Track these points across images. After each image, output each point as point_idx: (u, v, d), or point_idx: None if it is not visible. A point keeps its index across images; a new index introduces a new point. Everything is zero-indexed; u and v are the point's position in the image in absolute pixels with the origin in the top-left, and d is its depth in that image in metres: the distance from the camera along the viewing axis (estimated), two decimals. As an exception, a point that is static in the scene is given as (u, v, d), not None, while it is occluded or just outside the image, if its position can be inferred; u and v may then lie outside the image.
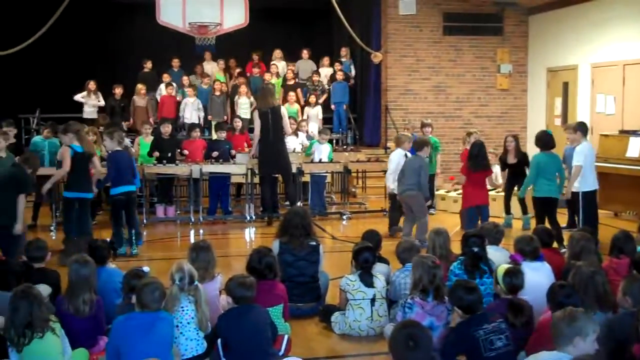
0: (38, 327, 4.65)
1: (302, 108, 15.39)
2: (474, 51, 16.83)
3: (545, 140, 9.85)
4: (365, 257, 6.36)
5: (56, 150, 10.74)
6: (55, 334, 4.73)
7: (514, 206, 11.38)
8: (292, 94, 15.09)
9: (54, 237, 10.61)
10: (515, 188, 11.11)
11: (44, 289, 5.52)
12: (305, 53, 16.64)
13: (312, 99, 15.31)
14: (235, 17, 13.68)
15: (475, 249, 6.25)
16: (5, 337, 4.75)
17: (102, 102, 14.81)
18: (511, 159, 11.33)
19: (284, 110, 12.07)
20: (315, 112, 15.27)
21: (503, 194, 11.63)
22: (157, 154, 11.98)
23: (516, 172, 11.15)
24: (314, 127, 14.51)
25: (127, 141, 10.74)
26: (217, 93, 15.32)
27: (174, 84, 15.36)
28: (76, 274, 5.34)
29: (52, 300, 5.59)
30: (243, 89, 15.25)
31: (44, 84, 16.77)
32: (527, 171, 10.32)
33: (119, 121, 12.60)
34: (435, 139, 12.71)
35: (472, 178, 10.49)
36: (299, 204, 11.35)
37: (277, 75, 16.09)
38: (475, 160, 10.35)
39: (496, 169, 11.55)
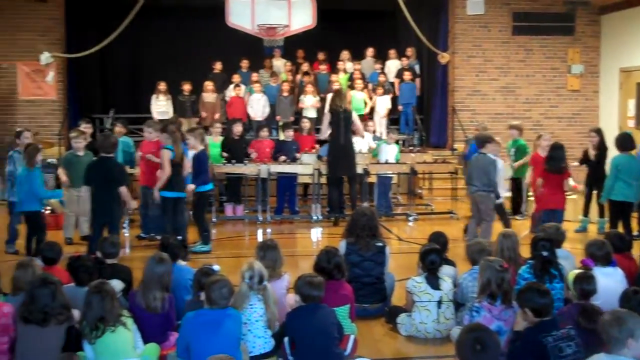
0: (110, 321, 4.78)
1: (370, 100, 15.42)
2: (544, 51, 16.51)
3: (624, 142, 9.59)
4: (431, 259, 6.32)
5: (128, 150, 11.10)
6: (127, 329, 4.85)
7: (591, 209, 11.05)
8: (358, 82, 15.12)
9: (126, 234, 10.92)
10: (596, 192, 10.73)
11: (117, 284, 5.67)
12: (370, 52, 16.62)
13: (380, 90, 15.32)
14: (303, 18, 13.78)
15: (545, 253, 6.10)
16: (80, 330, 4.86)
17: (170, 107, 15.03)
18: (591, 154, 11.00)
19: (355, 115, 12.13)
20: (383, 103, 15.31)
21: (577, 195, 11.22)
22: (225, 154, 12.20)
23: (597, 174, 10.79)
24: (381, 121, 14.73)
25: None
26: (285, 94, 15.38)
27: (242, 85, 15.48)
28: (150, 271, 5.43)
29: (125, 296, 5.72)
30: (309, 88, 15.36)
31: (117, 84, 17.24)
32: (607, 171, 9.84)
33: (174, 119, 12.51)
34: (523, 141, 12.35)
35: (548, 180, 10.06)
36: (365, 204, 11.18)
37: (345, 71, 16.09)
38: (553, 162, 9.93)
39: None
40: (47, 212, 10.37)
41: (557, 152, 9.92)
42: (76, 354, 4.21)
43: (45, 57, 14.41)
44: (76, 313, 5.06)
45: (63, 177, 9.71)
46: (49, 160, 12.17)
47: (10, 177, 9.60)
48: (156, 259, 5.46)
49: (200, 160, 9.69)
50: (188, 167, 9.54)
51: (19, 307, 4.89)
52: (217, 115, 14.99)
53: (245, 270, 5.29)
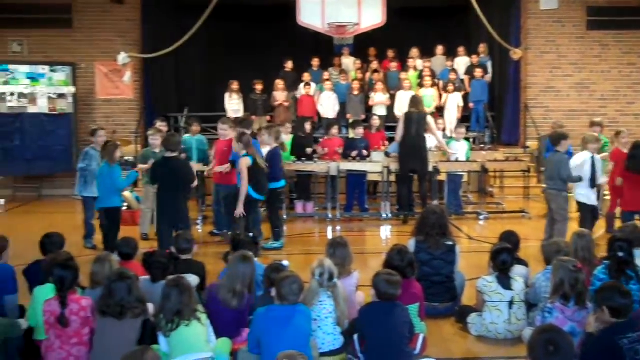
0: (186, 315, 4.85)
1: (439, 98, 15.43)
2: (620, 46, 16.09)
3: None
4: (503, 258, 6.20)
5: (202, 147, 11.40)
6: (201, 323, 4.92)
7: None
8: (428, 79, 15.04)
9: (200, 230, 11.10)
10: None
11: (193, 280, 5.70)
12: (440, 49, 16.47)
13: (450, 87, 15.21)
14: (373, 16, 13.74)
15: (621, 254, 5.90)
16: (155, 324, 4.97)
17: (242, 105, 15.20)
18: None
19: (430, 118, 12.12)
20: (454, 101, 15.22)
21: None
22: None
23: None
24: (451, 116, 14.72)
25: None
26: (355, 92, 15.36)
27: (313, 84, 15.52)
28: (234, 269, 5.51)
29: (198, 291, 5.78)
30: (379, 85, 15.33)
31: (191, 83, 17.52)
32: None
33: (246, 117, 12.50)
34: (606, 138, 11.59)
35: (628, 180, 9.67)
36: (434, 202, 11.08)
37: (415, 68, 16.02)
38: (634, 162, 9.47)
39: None
40: (124, 208, 10.55)
41: (638, 151, 9.53)
42: (151, 347, 4.30)
43: (122, 57, 14.79)
44: (151, 307, 5.17)
45: (144, 167, 9.86)
46: (126, 158, 12.47)
47: (84, 174, 9.81)
48: (240, 257, 5.55)
49: (274, 157, 9.77)
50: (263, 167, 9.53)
51: (96, 301, 5.03)
52: (286, 114, 15.15)
53: (316, 267, 5.31)
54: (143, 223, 10.22)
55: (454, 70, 15.80)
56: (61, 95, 15.11)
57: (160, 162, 8.64)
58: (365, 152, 12.35)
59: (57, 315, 4.99)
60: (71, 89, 15.22)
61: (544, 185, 9.42)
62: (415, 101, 11.91)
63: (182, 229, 7.80)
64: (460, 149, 12.60)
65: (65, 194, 14.89)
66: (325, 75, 15.76)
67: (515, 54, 15.66)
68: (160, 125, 11.14)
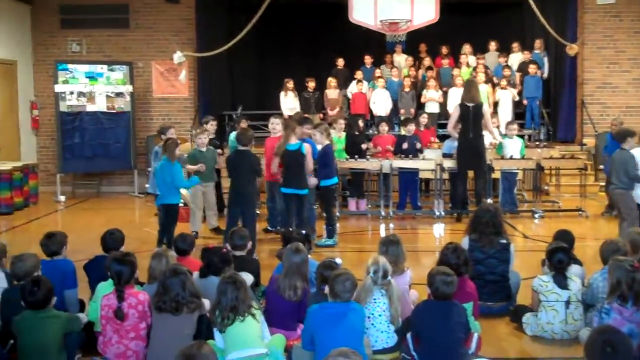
0: (241, 311, 4.89)
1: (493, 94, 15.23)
2: (679, 41, 15.40)
3: None
4: (559, 257, 6.08)
5: None
6: (256, 319, 4.95)
7: None
8: (481, 75, 14.92)
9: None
10: None
11: (247, 277, 5.74)
12: (493, 45, 16.36)
13: (503, 82, 15.07)
14: (426, 12, 13.59)
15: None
16: (211, 319, 5.05)
17: (297, 103, 15.23)
18: None
19: (486, 107, 11.91)
20: (508, 98, 15.08)
21: None
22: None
23: None
24: (505, 113, 14.59)
25: None
26: (407, 89, 15.33)
27: (365, 81, 15.53)
28: (289, 261, 5.58)
29: (253, 288, 5.85)
30: (432, 82, 15.31)
31: (244, 82, 17.70)
32: None
33: (298, 115, 12.46)
34: None
35: None
36: (489, 201, 11.01)
37: (467, 65, 15.88)
38: None
39: None
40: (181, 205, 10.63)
41: None
42: (207, 342, 4.36)
43: (177, 56, 14.99)
44: (206, 303, 5.23)
45: (194, 168, 10.06)
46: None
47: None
48: (293, 249, 5.62)
49: (326, 154, 9.85)
50: (311, 163, 9.64)
51: (153, 296, 5.11)
52: (338, 111, 15.19)
53: (370, 265, 5.29)
54: (193, 221, 10.32)
55: (507, 67, 15.61)
56: (119, 94, 15.36)
57: (233, 155, 9.22)
58: (418, 145, 12.37)
59: (115, 309, 5.10)
60: (129, 88, 15.44)
61: (602, 184, 9.13)
62: (470, 86, 11.70)
63: (249, 213, 8.69)
64: (513, 147, 12.46)
65: (123, 191, 15.51)
66: (377, 72, 15.82)
67: (571, 49, 15.34)
68: (211, 124, 11.28)
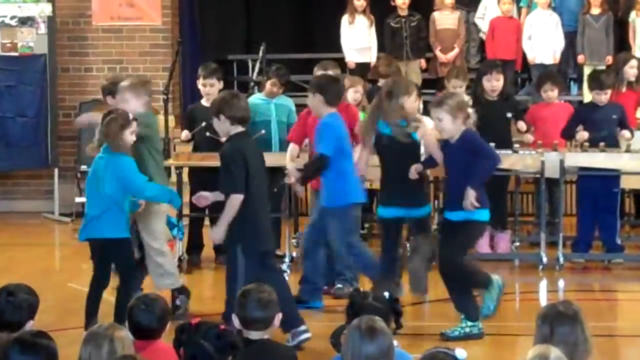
0: None
1: None
2: None
3: None
4: None
5: (289, 119, 8.86)
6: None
7: None
8: None
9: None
10: None
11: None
12: None
13: None
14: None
15: None
16: None
17: (374, 37, 11.50)
18: None
19: None
20: None
21: None
22: None
23: None
24: None
25: None
26: (597, 11, 11.09)
27: None
28: (356, 354, 3.93)
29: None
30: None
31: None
32: None
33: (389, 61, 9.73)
34: None
35: None
36: None
37: None
38: None
39: None
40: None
41: None
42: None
43: None
44: None
45: None
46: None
47: None
48: (364, 329, 3.78)
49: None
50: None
51: None
52: (458, 54, 11.84)
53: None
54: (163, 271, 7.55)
55: None
56: (26, 21, 11.25)
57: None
58: (628, 135, 8.76)
59: None
60: (45, 8, 11.28)
61: None
62: None
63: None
64: None
65: (33, 210, 11.50)
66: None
67: None
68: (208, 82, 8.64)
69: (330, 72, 7.86)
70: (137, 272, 7.01)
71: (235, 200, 6.12)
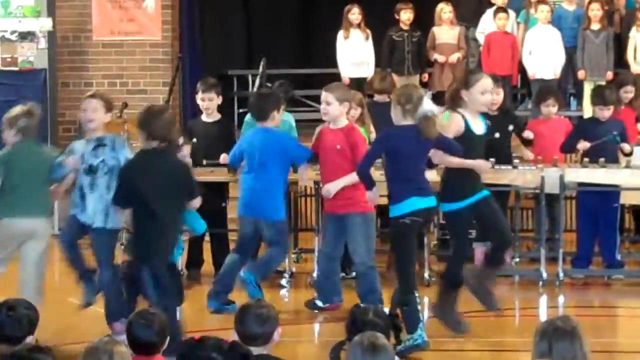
0: None
1: None
2: None
3: None
4: None
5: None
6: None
7: None
8: None
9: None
10: None
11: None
12: None
13: None
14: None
15: None
16: None
17: (371, 51, 11.52)
18: None
19: None
20: None
21: None
22: None
23: None
24: None
25: None
26: (596, 27, 11.17)
27: (511, 11, 11.47)
28: None
29: None
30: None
31: (271, 20, 14.07)
32: None
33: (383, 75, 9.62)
34: None
35: None
36: None
37: None
38: None
39: None
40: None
41: None
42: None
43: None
44: None
45: None
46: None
47: None
48: (365, 345, 3.65)
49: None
50: None
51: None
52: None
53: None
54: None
55: None
56: (26, 36, 11.35)
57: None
58: (628, 148, 8.69)
59: None
60: (45, 23, 11.36)
61: None
62: None
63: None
64: None
65: None
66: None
67: None
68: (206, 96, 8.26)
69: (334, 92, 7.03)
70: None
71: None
